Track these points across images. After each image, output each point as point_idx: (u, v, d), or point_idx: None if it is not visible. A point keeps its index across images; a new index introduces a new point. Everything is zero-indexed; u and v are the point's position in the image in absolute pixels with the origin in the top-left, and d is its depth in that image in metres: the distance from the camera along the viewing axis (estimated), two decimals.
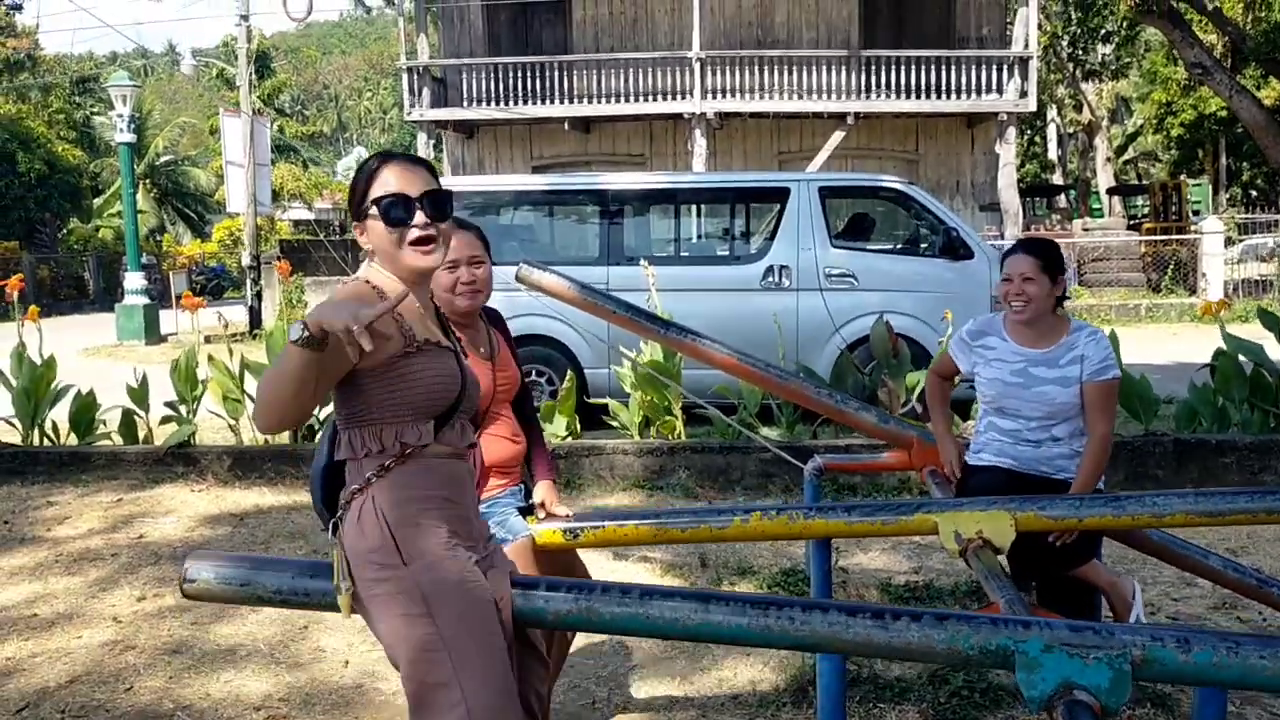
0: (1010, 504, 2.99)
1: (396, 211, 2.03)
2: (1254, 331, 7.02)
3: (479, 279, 2.79)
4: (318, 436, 6.44)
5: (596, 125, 21.22)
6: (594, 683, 3.71)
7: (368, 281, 2.05)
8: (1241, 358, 6.21)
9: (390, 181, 2.04)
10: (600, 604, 2.11)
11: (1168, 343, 13.92)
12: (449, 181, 10.30)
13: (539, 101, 20.22)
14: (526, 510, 2.92)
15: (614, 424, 7.10)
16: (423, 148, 21.21)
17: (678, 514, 3.13)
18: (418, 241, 2.04)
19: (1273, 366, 6.13)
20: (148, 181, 41.00)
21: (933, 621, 2.06)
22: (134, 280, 18.02)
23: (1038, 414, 3.28)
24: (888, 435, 3.98)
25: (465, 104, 20.47)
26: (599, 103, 20.11)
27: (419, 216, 2.04)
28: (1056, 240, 20.87)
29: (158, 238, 40.95)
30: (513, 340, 3.03)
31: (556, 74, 20.18)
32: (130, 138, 17.90)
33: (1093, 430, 3.20)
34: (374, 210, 2.04)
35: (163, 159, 42.54)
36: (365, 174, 2.08)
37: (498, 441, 2.82)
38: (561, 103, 20.16)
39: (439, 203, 2.08)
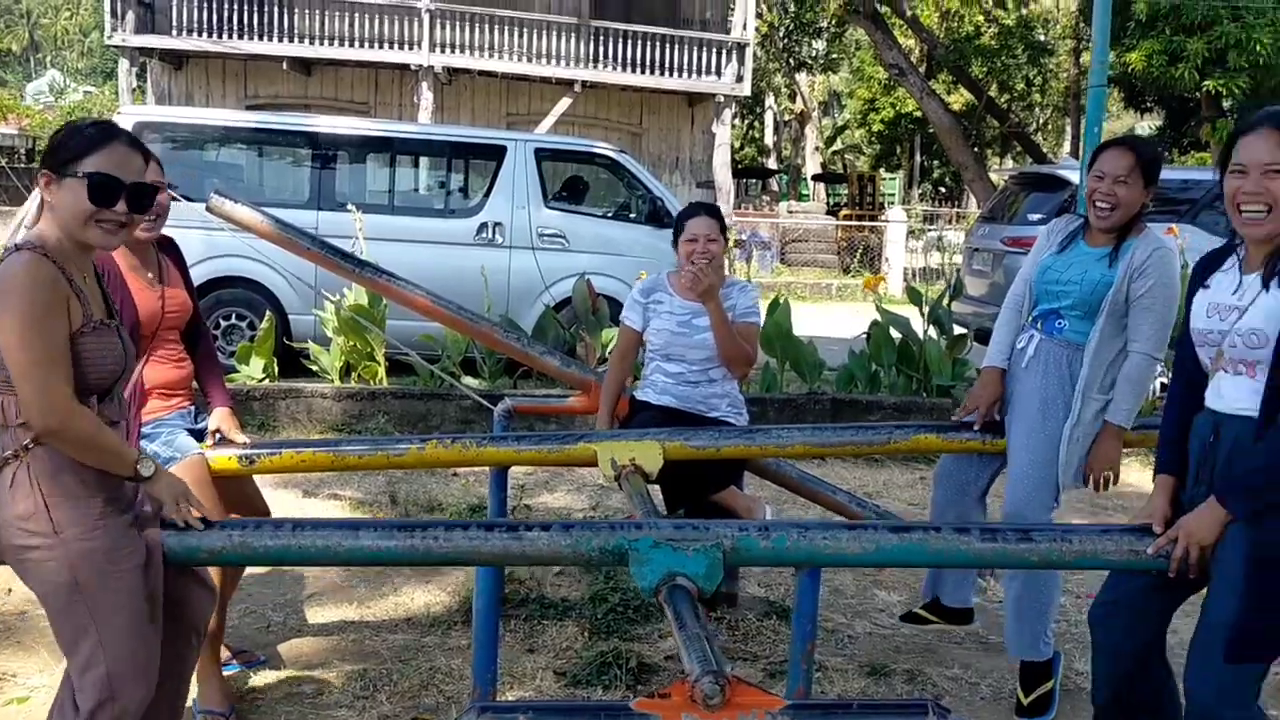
0: (660, 435, 3.37)
1: (103, 193, 2.05)
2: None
3: (160, 205, 2.82)
4: None
5: (318, 68, 20.50)
6: (270, 608, 3.81)
7: (44, 253, 2.03)
8: (893, 330, 7.00)
9: (107, 161, 2.06)
10: (254, 538, 2.25)
11: (850, 319, 15.23)
12: (151, 111, 9.78)
13: (256, 37, 19.28)
14: (199, 434, 2.99)
15: (314, 368, 7.08)
16: (124, 75, 19.76)
17: (355, 442, 3.29)
18: (106, 223, 2.08)
19: (916, 337, 6.96)
20: None
21: (560, 530, 2.35)
22: None
23: (699, 358, 3.68)
24: (570, 379, 4.28)
25: (174, 32, 19.21)
26: (321, 44, 19.43)
27: (120, 205, 2.08)
28: (764, 220, 21.98)
29: None
30: (186, 266, 3.06)
31: (276, 9, 19.29)
32: None
33: None
34: (79, 178, 2.04)
35: None
36: (83, 139, 2.08)
37: (162, 366, 2.87)
38: (281, 40, 19.31)
39: (142, 197, 2.13)
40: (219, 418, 3.04)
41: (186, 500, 2.20)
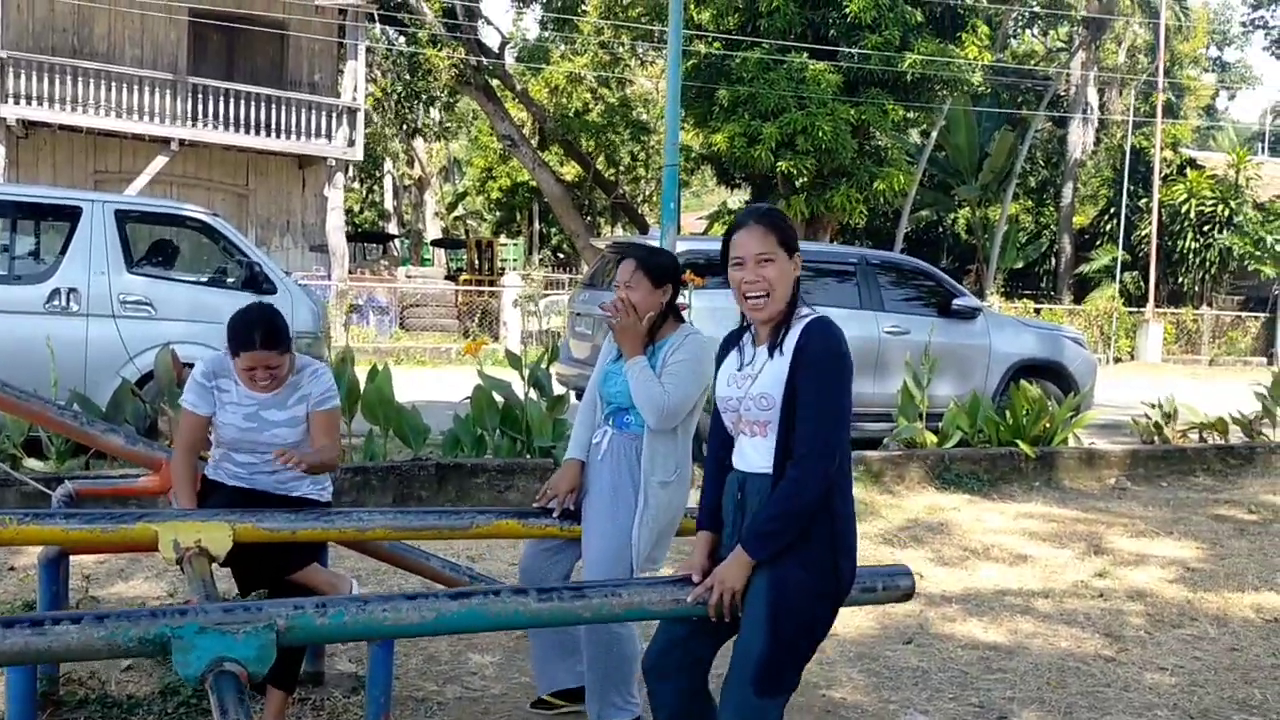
0: (230, 516, 3.21)
1: None
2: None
3: None
4: None
5: None
6: None
7: None
8: (495, 394, 7.16)
9: None
10: None
11: (466, 383, 15.36)
12: None
13: None
14: None
15: None
16: None
17: None
18: None
19: (518, 400, 7.16)
20: None
21: (92, 621, 2.18)
22: None
23: (270, 453, 3.46)
24: (137, 458, 4.01)
25: None
26: None
27: None
28: (381, 284, 21.67)
29: None
30: None
31: None
32: None
33: (318, 444, 3.49)
34: None
35: None
36: None
37: None
38: None
39: None
40: None
41: None
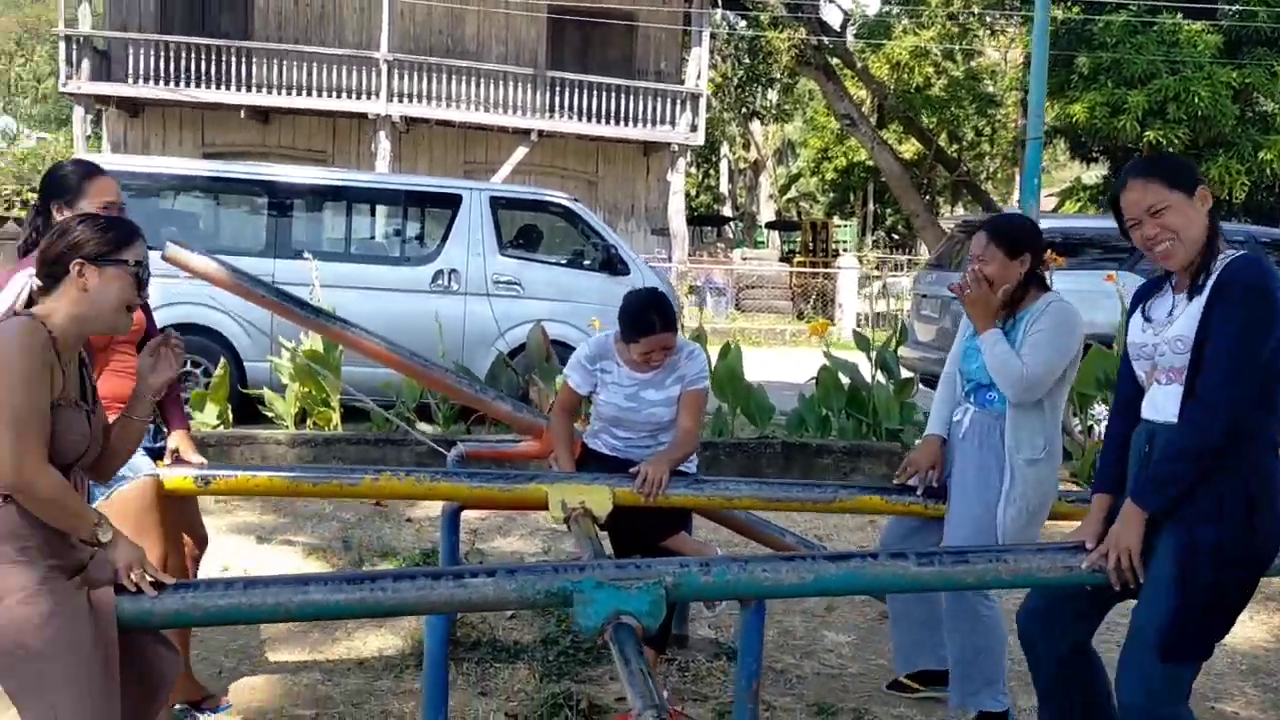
0: (611, 480, 3.43)
1: (143, 280, 2.26)
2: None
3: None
4: None
5: (276, 117, 20.59)
6: (223, 654, 3.81)
7: (41, 322, 2.15)
8: (841, 375, 7.14)
9: (140, 252, 2.24)
10: (204, 599, 2.28)
11: (803, 364, 15.41)
12: (107, 160, 9.77)
13: (214, 86, 19.36)
14: (157, 453, 3.05)
15: (269, 415, 7.09)
16: (79, 123, 19.71)
17: (310, 469, 3.35)
18: (131, 309, 2.27)
19: (864, 382, 7.10)
20: None
21: (504, 575, 2.41)
22: None
23: (648, 429, 3.67)
24: (523, 424, 4.34)
25: (130, 80, 19.24)
26: (279, 93, 19.55)
27: (145, 290, 2.29)
28: (719, 266, 22.13)
29: None
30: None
31: (234, 59, 19.41)
32: None
33: (681, 424, 3.65)
34: (128, 269, 2.22)
35: None
36: (123, 229, 2.25)
37: (117, 378, 2.92)
38: (239, 89, 19.41)
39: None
40: (177, 438, 3.11)
41: (141, 566, 2.23)
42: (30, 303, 2.24)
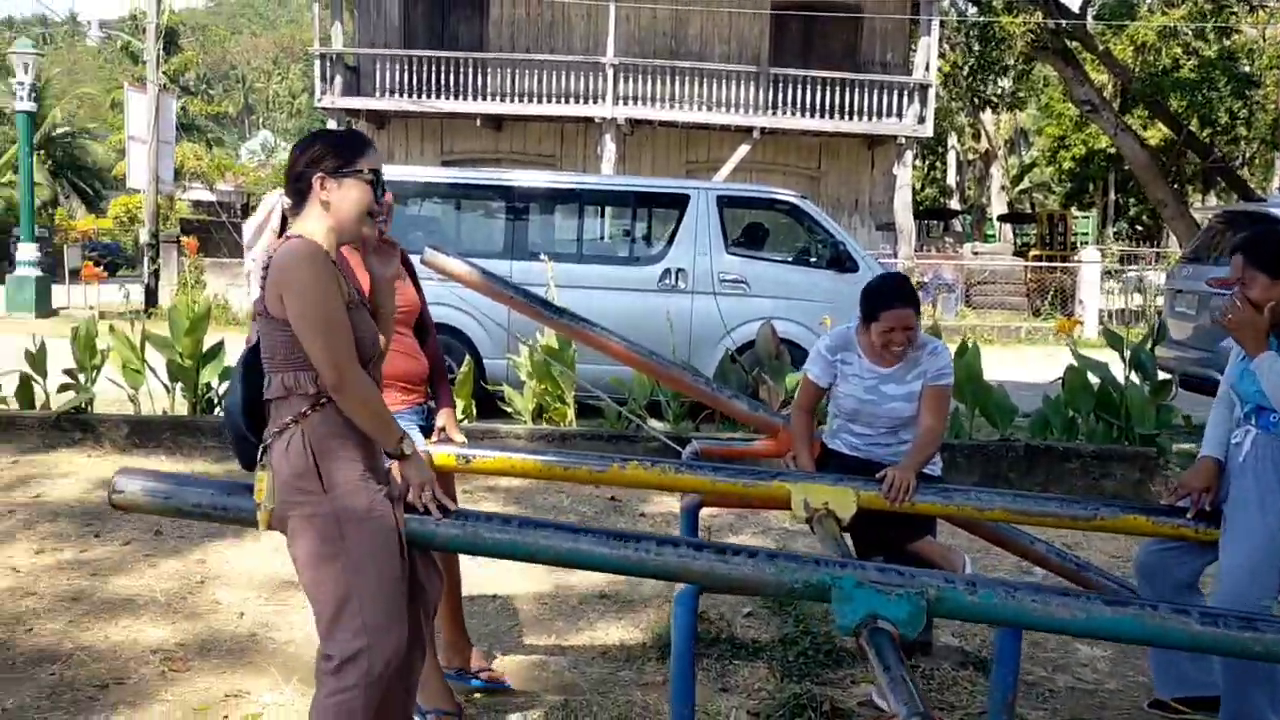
0: (855, 482, 3.38)
1: (379, 188, 2.41)
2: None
3: (387, 203, 3.09)
4: (223, 387, 6.75)
5: (508, 123, 21.41)
6: (476, 637, 3.98)
7: (320, 244, 2.35)
8: (1090, 375, 6.77)
9: (376, 161, 2.41)
10: (484, 530, 2.45)
11: (1042, 363, 14.71)
12: None
13: (452, 96, 20.33)
14: (426, 430, 3.24)
15: (508, 410, 7.38)
16: None
17: (562, 455, 3.49)
18: (374, 215, 2.43)
19: (1115, 383, 6.70)
20: (43, 153, 39.51)
21: (765, 558, 2.42)
22: (26, 251, 17.62)
23: (888, 424, 3.64)
24: (756, 422, 4.34)
25: (378, 94, 20.47)
26: (512, 101, 20.32)
27: (386, 196, 2.48)
28: (947, 261, 21.45)
29: (50, 211, 39.62)
30: (412, 266, 3.36)
31: (471, 70, 20.32)
32: (31, 106, 17.57)
33: (924, 422, 3.57)
34: (365, 177, 2.37)
35: (59, 130, 41.16)
36: (360, 142, 2.42)
37: (399, 357, 3.10)
38: (475, 99, 20.31)
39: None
40: (444, 417, 3.31)
41: (432, 487, 2.43)
42: (283, 228, 2.44)
